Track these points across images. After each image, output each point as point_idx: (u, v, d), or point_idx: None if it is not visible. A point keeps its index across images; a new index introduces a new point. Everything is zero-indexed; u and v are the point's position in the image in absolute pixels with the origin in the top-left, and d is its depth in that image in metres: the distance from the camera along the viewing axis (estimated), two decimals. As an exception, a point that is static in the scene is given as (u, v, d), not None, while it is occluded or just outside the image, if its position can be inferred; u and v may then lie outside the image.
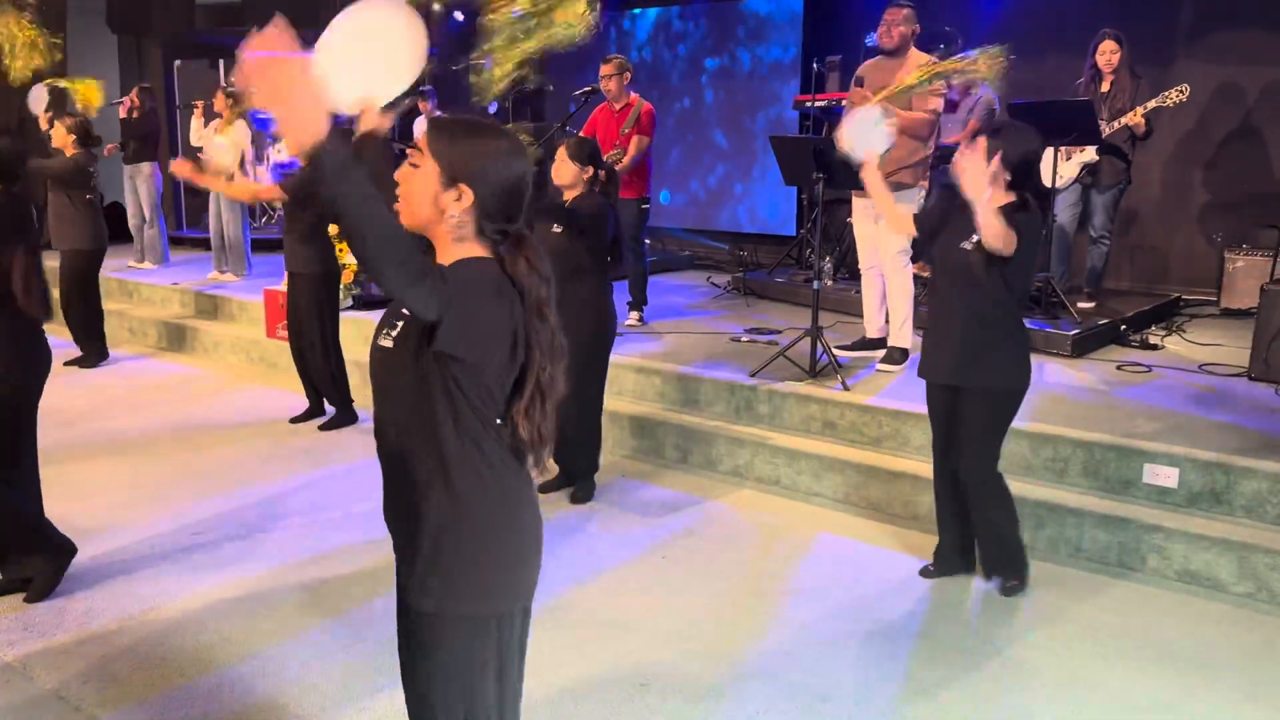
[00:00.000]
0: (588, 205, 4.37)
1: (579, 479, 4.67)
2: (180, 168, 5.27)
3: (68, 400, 6.20)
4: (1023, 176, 3.42)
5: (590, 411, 4.60)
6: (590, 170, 4.40)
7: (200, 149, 8.75)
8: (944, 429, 3.71)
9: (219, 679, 3.16)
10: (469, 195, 1.76)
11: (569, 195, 4.41)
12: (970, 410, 3.55)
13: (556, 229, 4.31)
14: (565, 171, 4.38)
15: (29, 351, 3.56)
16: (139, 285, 8.60)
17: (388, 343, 1.80)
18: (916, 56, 5.12)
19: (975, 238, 3.38)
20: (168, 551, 4.09)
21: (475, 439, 1.78)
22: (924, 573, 3.89)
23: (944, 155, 6.98)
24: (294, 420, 5.86)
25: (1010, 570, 3.72)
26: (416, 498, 1.81)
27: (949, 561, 3.86)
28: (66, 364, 6.98)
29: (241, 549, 4.12)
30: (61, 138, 6.78)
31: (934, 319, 3.66)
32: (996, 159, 3.35)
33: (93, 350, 7.16)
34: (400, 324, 1.79)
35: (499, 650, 1.87)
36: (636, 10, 10.26)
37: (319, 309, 5.56)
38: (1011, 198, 3.41)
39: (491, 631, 1.85)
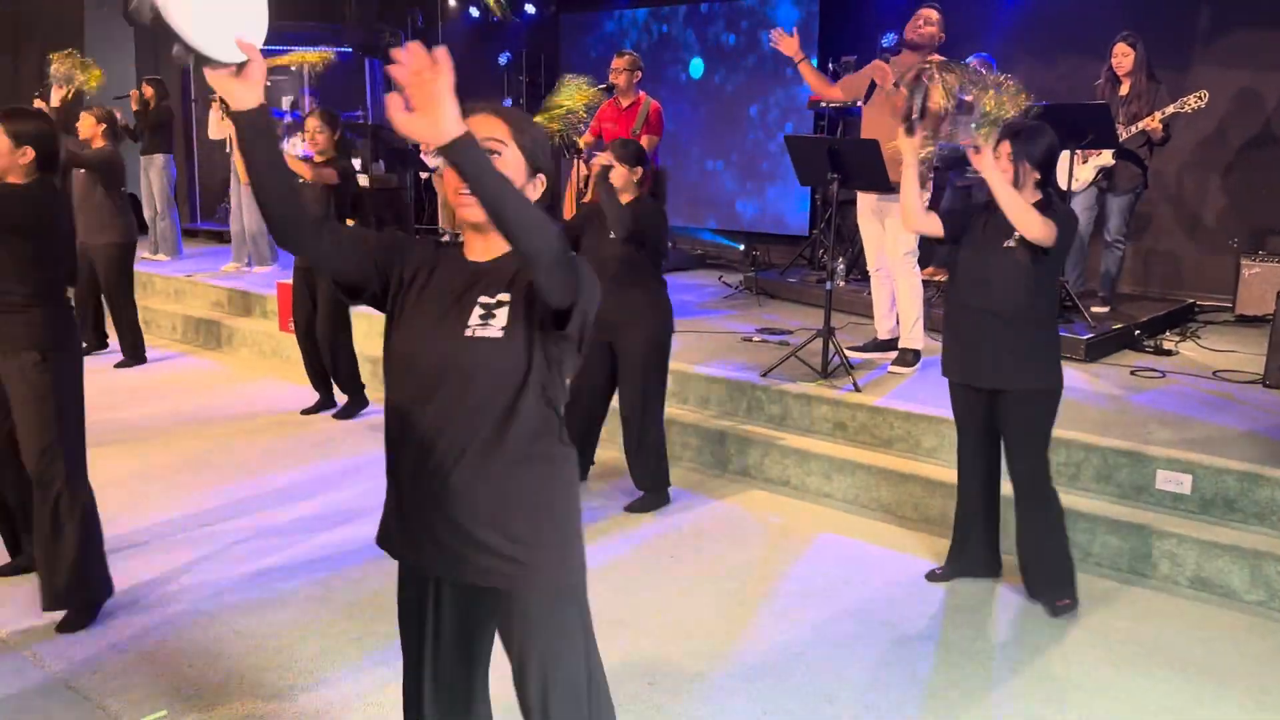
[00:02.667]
0: (648, 210, 4.25)
1: (648, 491, 4.54)
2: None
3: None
4: (1048, 172, 3.45)
5: (657, 421, 4.45)
6: (639, 171, 4.28)
7: (222, 141, 8.77)
8: (976, 433, 3.68)
9: (227, 670, 3.17)
10: (543, 185, 1.86)
11: (623, 199, 4.23)
12: (1017, 414, 3.51)
13: (613, 235, 4.18)
14: (616, 175, 4.24)
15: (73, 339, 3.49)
16: (152, 277, 8.64)
17: (494, 333, 1.82)
18: (937, 59, 5.11)
19: (1016, 235, 3.38)
20: (178, 542, 4.11)
21: (554, 414, 1.91)
22: (931, 576, 3.88)
23: (961, 158, 6.98)
24: (306, 412, 5.89)
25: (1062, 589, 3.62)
26: (505, 477, 1.87)
27: (959, 565, 3.86)
28: (116, 366, 6.93)
29: (252, 541, 4.13)
30: (90, 128, 6.69)
31: (960, 322, 3.60)
32: (1025, 162, 3.39)
33: (135, 347, 7.03)
34: (501, 312, 1.84)
35: None
36: (649, 8, 10.25)
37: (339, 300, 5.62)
38: (1038, 196, 3.44)
39: None
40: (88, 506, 3.44)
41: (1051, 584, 3.61)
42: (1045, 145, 3.43)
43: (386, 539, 1.98)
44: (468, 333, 1.82)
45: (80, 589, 3.42)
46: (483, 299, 1.85)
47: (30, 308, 3.31)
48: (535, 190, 1.87)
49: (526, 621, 1.91)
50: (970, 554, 3.83)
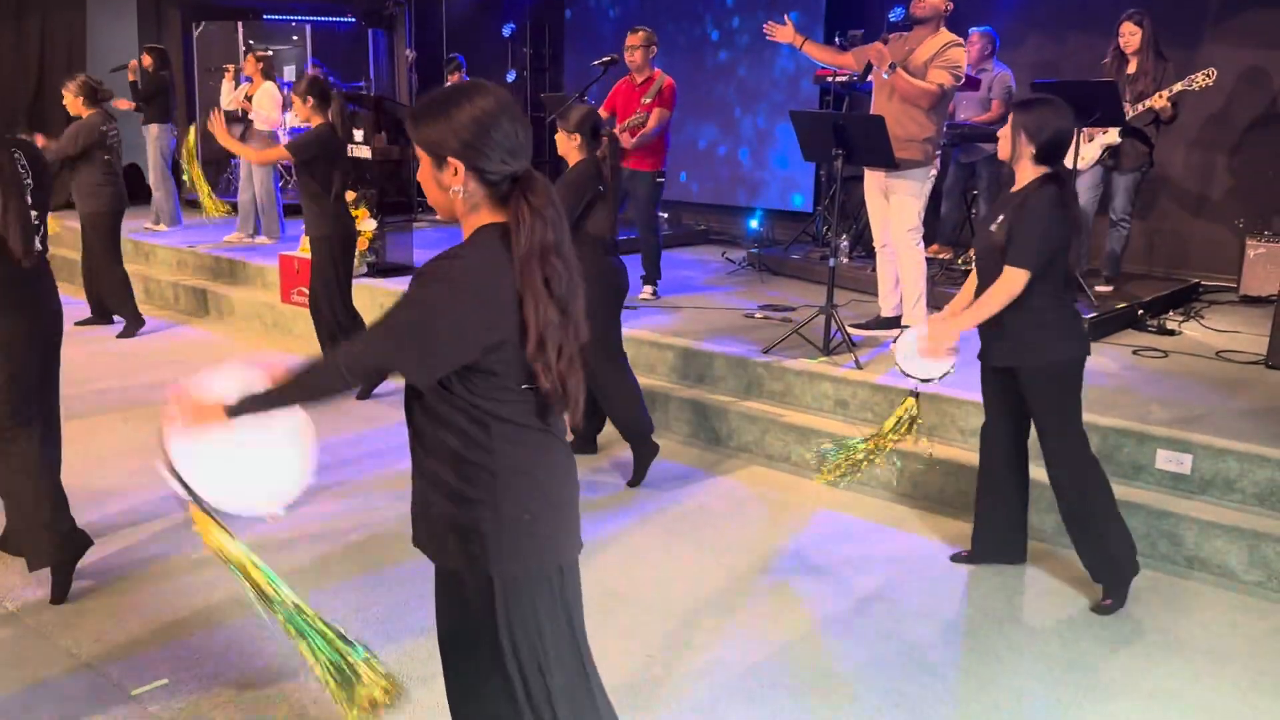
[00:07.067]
0: (569, 170, 4.33)
1: (631, 445, 4.55)
2: (214, 124, 5.63)
3: (79, 362, 6.22)
4: (1051, 154, 3.37)
5: (608, 383, 4.41)
6: (578, 137, 4.30)
7: (239, 112, 8.72)
8: (998, 414, 3.65)
9: (227, 639, 3.18)
10: (459, 165, 1.79)
11: (570, 160, 4.38)
12: (1032, 392, 3.46)
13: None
14: (559, 141, 4.35)
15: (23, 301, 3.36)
16: (154, 247, 8.62)
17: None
18: (944, 35, 5.07)
19: (1000, 218, 3.41)
20: (180, 511, 4.11)
21: (480, 420, 1.86)
22: (956, 559, 3.84)
23: (964, 134, 6.95)
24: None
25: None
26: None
27: (983, 550, 3.80)
28: (119, 337, 6.90)
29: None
30: (72, 102, 6.56)
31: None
32: (1021, 133, 3.36)
33: (131, 318, 6.98)
34: None
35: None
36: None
37: (328, 272, 5.51)
38: (1040, 171, 3.38)
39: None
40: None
41: (1104, 576, 3.53)
42: (1052, 127, 3.34)
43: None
44: None
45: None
46: None
47: None
48: (451, 175, 1.79)
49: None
50: (995, 538, 3.77)
